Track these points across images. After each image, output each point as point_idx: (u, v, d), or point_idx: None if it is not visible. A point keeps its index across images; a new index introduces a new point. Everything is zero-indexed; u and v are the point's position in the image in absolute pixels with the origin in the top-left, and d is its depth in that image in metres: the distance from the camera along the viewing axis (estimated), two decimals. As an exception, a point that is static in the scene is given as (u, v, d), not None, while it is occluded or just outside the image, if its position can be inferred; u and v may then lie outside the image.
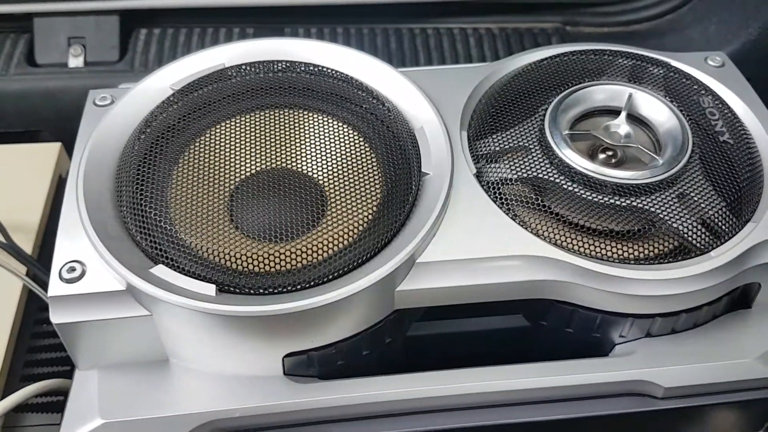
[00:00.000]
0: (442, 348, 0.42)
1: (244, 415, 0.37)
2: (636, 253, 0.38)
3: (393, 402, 0.38)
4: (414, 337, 0.41)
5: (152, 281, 0.35)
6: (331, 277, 0.37)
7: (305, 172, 0.41)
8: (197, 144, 0.42)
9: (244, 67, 0.46)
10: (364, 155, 0.42)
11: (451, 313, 0.39)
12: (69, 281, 0.36)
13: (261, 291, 0.36)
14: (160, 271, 0.36)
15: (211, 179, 0.41)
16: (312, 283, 0.37)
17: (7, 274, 0.48)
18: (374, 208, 0.39)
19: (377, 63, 0.45)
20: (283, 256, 0.37)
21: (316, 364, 0.38)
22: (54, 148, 0.57)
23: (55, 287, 0.36)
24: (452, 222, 0.39)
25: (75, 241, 0.38)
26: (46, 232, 0.54)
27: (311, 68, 0.45)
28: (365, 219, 0.39)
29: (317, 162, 0.41)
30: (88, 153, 0.41)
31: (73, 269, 0.37)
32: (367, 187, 0.40)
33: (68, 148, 0.57)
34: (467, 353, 0.41)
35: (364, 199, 0.40)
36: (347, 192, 0.40)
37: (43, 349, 0.50)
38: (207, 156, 0.41)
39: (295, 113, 0.44)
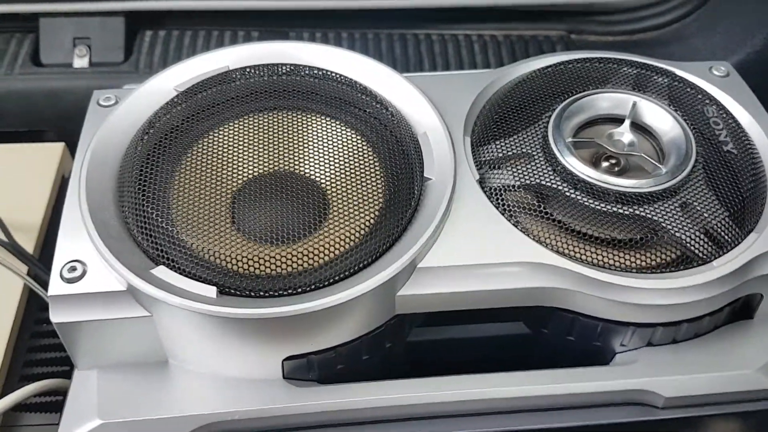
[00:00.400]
0: (442, 354, 0.42)
1: (242, 418, 0.37)
2: (638, 261, 0.38)
3: (393, 407, 0.38)
4: (414, 342, 0.41)
5: (153, 282, 0.35)
6: (332, 280, 0.37)
7: (308, 175, 0.41)
8: (200, 145, 0.42)
9: (248, 69, 0.46)
10: (366, 159, 0.42)
11: (452, 318, 0.39)
12: (69, 281, 0.36)
13: (261, 294, 0.36)
14: (161, 272, 0.36)
15: (213, 181, 0.40)
16: (313, 287, 0.36)
17: (8, 273, 0.48)
18: (376, 213, 0.39)
19: (381, 68, 0.45)
20: (284, 259, 0.37)
21: (315, 368, 0.38)
22: (57, 148, 0.57)
23: (56, 286, 0.36)
24: (454, 228, 0.39)
25: (76, 240, 0.38)
26: (47, 232, 0.54)
27: (315, 72, 0.45)
28: (367, 223, 0.39)
29: (320, 165, 0.41)
30: (90, 153, 0.41)
31: (74, 269, 0.37)
32: (370, 191, 0.40)
33: (72, 149, 0.57)
34: (467, 359, 0.40)
35: (366, 203, 0.40)
36: (349, 196, 0.40)
37: (42, 348, 0.49)
38: (210, 158, 0.41)
39: (299, 116, 0.44)
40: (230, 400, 0.37)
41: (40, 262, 0.51)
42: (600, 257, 0.38)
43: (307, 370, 0.38)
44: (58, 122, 0.62)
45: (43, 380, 0.44)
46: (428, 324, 0.40)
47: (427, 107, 0.43)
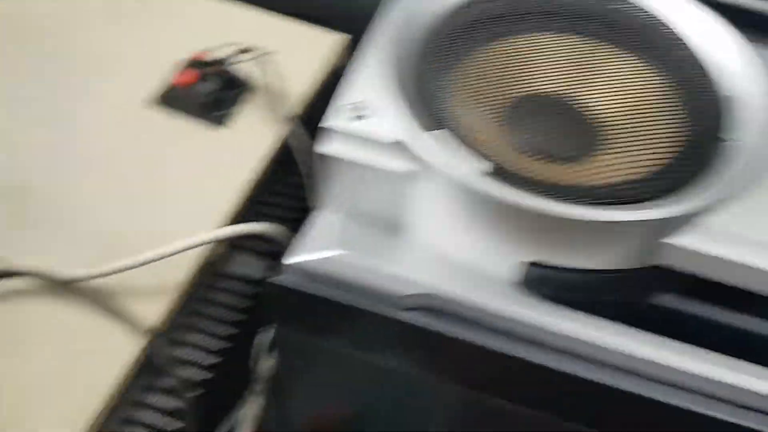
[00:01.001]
0: (683, 332, 0.37)
1: (461, 303, 0.35)
2: None
3: (625, 356, 0.34)
4: (658, 306, 0.37)
5: (427, 142, 0.35)
6: (601, 201, 0.34)
7: (595, 102, 0.40)
8: (493, 45, 0.42)
9: None
10: (665, 102, 0.39)
11: (713, 295, 0.35)
12: (348, 118, 0.37)
13: (527, 188, 0.34)
14: (441, 136, 0.35)
15: (496, 82, 0.40)
16: (580, 200, 0.34)
17: (267, 128, 0.51)
18: (661, 153, 0.37)
19: (709, 17, 0.41)
20: (559, 163, 0.36)
21: (551, 285, 0.35)
22: (342, 39, 0.60)
23: (333, 119, 0.37)
24: (756, 196, 0.34)
25: (364, 86, 0.38)
26: (310, 109, 0.56)
27: (630, 4, 0.43)
28: (648, 159, 0.37)
29: (609, 96, 0.40)
30: (394, 16, 0.41)
31: (355, 109, 0.37)
32: (660, 133, 0.38)
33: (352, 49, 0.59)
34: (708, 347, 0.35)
35: (653, 142, 0.37)
36: (638, 130, 0.38)
37: (269, 202, 0.52)
38: (498, 59, 0.41)
39: (600, 45, 0.42)
40: (457, 282, 0.35)
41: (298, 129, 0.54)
42: None
43: (542, 283, 0.35)
44: (348, 21, 0.65)
45: (260, 222, 0.46)
46: (683, 293, 0.36)
47: (756, 69, 0.39)
